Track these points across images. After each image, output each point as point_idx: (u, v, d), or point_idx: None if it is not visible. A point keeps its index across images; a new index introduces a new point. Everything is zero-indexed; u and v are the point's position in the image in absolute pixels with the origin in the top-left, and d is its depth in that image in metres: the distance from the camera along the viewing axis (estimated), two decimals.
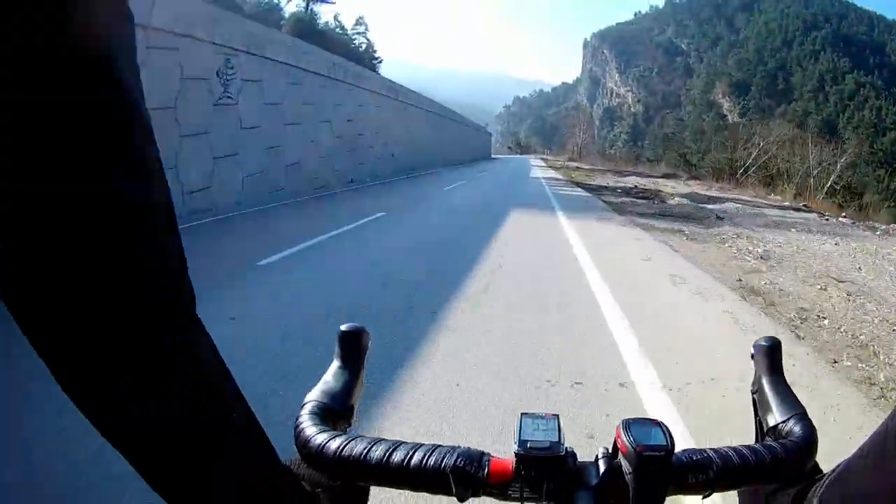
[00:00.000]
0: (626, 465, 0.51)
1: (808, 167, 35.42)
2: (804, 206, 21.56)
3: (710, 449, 0.55)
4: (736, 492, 0.59)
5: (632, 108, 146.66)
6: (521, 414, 0.55)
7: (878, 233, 13.22)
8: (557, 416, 0.55)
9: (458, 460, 0.51)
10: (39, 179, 0.28)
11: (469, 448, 0.52)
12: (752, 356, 0.64)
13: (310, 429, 0.53)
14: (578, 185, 23.61)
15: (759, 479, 0.55)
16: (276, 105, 13.78)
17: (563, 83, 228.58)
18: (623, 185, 24.78)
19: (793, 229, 11.77)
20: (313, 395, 0.57)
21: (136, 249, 0.31)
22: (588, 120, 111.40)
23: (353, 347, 0.61)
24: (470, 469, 0.50)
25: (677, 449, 0.53)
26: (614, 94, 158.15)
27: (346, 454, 0.51)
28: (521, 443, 0.51)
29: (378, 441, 0.52)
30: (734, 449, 0.55)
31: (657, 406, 3.02)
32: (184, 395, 0.36)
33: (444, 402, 2.96)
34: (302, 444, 0.52)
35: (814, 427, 0.57)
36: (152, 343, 0.33)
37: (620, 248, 7.81)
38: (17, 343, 0.34)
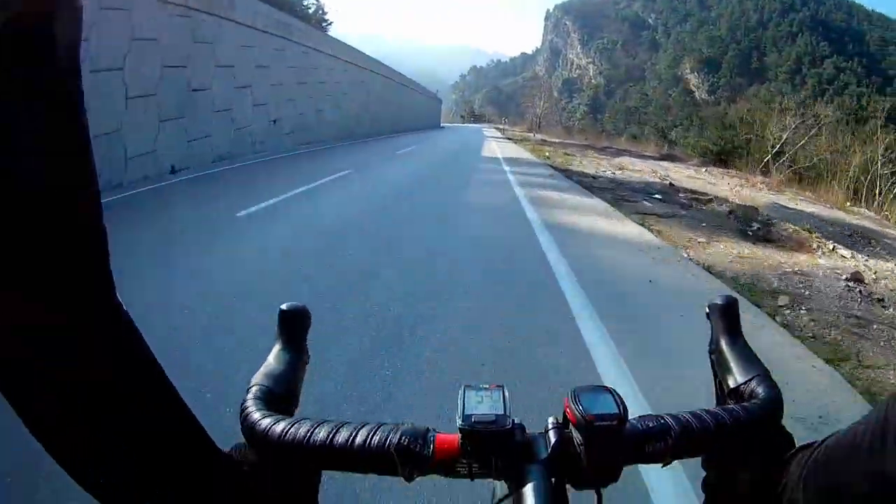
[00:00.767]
0: (577, 436, 0.49)
1: (868, 160, 24.43)
2: None
3: (668, 415, 0.52)
4: (700, 465, 0.57)
5: (593, 80, 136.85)
6: (464, 386, 0.52)
7: None
8: (502, 386, 0.52)
9: (403, 438, 0.48)
10: None
11: (414, 425, 0.50)
12: (708, 315, 0.61)
13: (254, 414, 0.50)
14: (559, 171, 15.19)
15: (722, 443, 0.52)
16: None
17: (521, 53, 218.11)
18: (629, 174, 16.11)
19: None
20: (257, 379, 0.54)
21: (53, 232, 0.29)
22: (548, 90, 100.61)
23: (294, 328, 0.58)
24: (415, 447, 0.48)
25: (632, 416, 0.50)
26: (575, 66, 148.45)
27: (290, 438, 0.48)
28: (465, 417, 0.48)
29: (322, 422, 0.50)
30: (693, 414, 0.52)
31: None
32: (107, 385, 0.34)
33: None
34: (248, 429, 0.50)
35: (777, 387, 0.54)
36: (72, 329, 0.31)
37: None
38: None
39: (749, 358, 0.57)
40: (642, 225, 7.47)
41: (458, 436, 0.49)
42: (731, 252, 6.27)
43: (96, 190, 0.31)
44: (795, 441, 0.50)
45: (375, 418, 0.56)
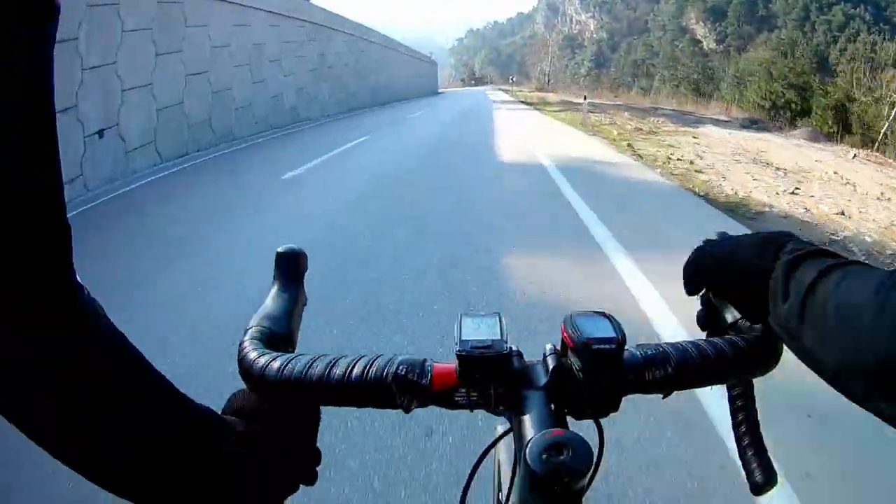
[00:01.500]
0: (575, 362, 0.48)
1: None
2: None
3: (667, 343, 0.52)
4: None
5: (594, 35, 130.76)
6: (461, 314, 0.51)
7: None
8: (499, 313, 0.51)
9: (400, 368, 0.48)
10: None
11: (411, 356, 0.50)
12: None
13: (251, 353, 0.50)
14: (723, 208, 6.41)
15: (723, 375, 0.52)
16: None
17: (518, 13, 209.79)
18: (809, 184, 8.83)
19: None
20: (255, 321, 0.54)
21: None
22: (553, 45, 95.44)
23: (291, 269, 0.57)
24: (412, 377, 0.48)
25: (631, 345, 0.50)
26: (575, 22, 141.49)
27: (288, 374, 0.48)
28: (462, 343, 0.48)
29: (319, 357, 0.50)
30: (693, 343, 0.52)
31: None
32: (72, 362, 0.34)
33: None
34: (245, 369, 0.50)
35: None
36: (33, 309, 0.31)
37: None
38: None
39: None
40: None
41: (455, 365, 0.48)
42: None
43: (57, 169, 0.30)
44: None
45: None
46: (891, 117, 22.53)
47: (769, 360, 0.51)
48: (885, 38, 76.63)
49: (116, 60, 8.08)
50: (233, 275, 3.89)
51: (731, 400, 0.57)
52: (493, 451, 0.57)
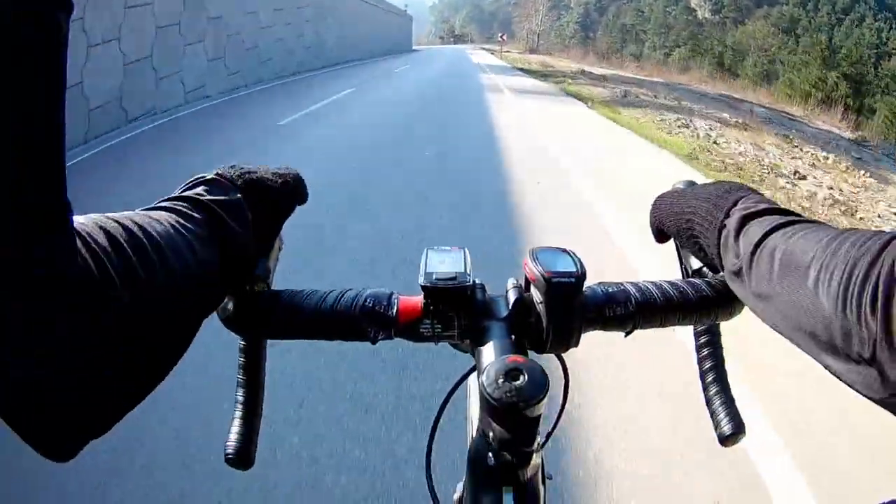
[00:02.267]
0: (536, 295, 0.48)
1: None
2: None
3: (629, 283, 0.52)
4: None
5: None
6: (427, 249, 0.52)
7: None
8: (465, 248, 0.52)
9: (367, 301, 0.49)
10: None
11: (378, 289, 0.51)
12: None
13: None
14: None
15: (684, 316, 0.52)
16: None
17: None
18: None
19: None
20: None
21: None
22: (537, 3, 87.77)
23: None
24: (379, 309, 0.49)
25: (593, 283, 0.51)
26: None
27: (262, 307, 0.50)
28: (427, 275, 0.48)
29: (289, 292, 0.51)
30: (655, 283, 0.52)
31: None
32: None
33: None
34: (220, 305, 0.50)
35: None
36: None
37: None
38: None
39: None
40: None
41: (420, 298, 0.49)
42: None
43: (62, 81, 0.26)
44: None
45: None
46: None
47: (733, 307, 0.51)
48: (891, 27, 72.01)
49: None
50: None
51: (698, 345, 0.57)
52: (467, 394, 0.60)
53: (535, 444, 0.44)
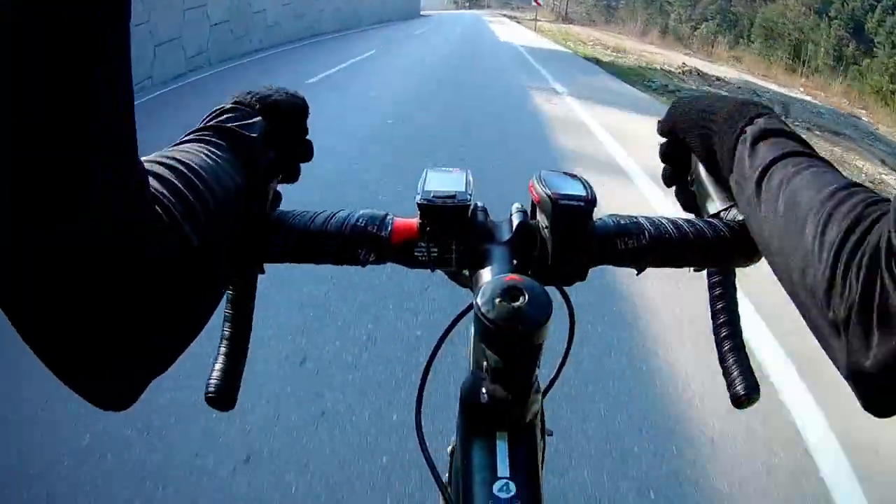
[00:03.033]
0: (542, 220, 0.45)
1: None
2: None
3: (642, 216, 0.48)
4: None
5: None
6: (426, 169, 0.48)
7: None
8: (467, 170, 0.48)
9: (360, 220, 0.46)
10: None
11: (372, 210, 0.47)
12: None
13: None
14: None
15: (701, 258, 0.48)
16: None
17: None
18: None
19: None
20: None
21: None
22: None
23: None
24: (372, 229, 0.46)
25: (604, 214, 0.47)
26: None
27: (259, 235, 0.46)
28: (425, 192, 0.45)
29: (279, 214, 0.47)
30: (671, 220, 0.48)
31: None
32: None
33: None
34: None
35: None
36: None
37: None
38: None
39: (729, 187, 0.50)
40: None
41: (417, 220, 0.46)
42: None
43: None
44: None
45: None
46: None
47: (752, 252, 0.47)
48: None
49: None
50: None
51: (712, 296, 0.53)
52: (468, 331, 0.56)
53: (535, 380, 0.40)
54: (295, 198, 0.55)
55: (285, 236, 0.45)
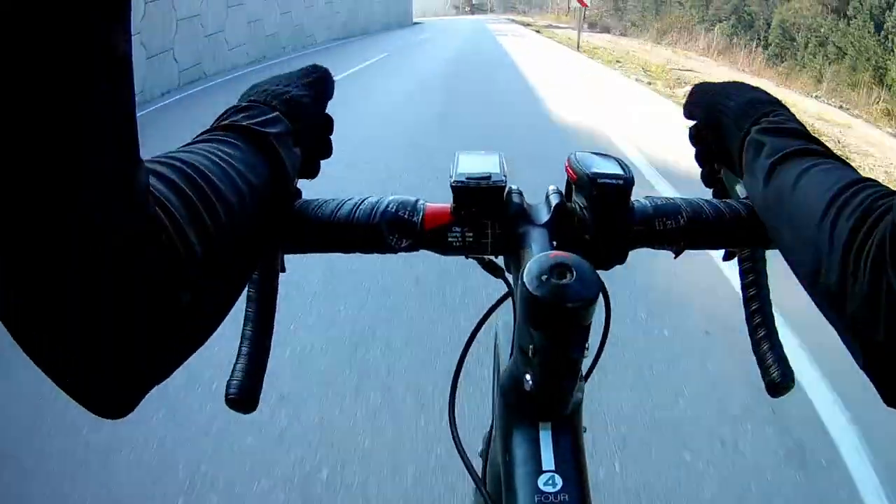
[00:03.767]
0: (580, 200, 0.44)
1: None
2: None
3: (678, 197, 0.47)
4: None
5: None
6: (457, 152, 0.46)
7: None
8: (500, 152, 0.47)
9: (390, 206, 0.44)
10: None
11: (402, 196, 0.45)
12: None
13: None
14: None
15: (738, 237, 0.47)
16: None
17: None
18: None
19: None
20: None
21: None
22: None
23: None
24: (403, 214, 0.44)
25: (639, 196, 0.46)
26: None
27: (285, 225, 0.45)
28: (458, 174, 0.43)
29: (302, 203, 0.46)
30: (706, 200, 0.48)
31: None
32: None
33: None
34: None
35: None
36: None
37: None
38: None
39: None
40: None
41: (450, 205, 0.44)
42: None
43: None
44: None
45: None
46: None
47: None
48: None
49: None
50: None
51: (743, 277, 0.52)
52: (495, 331, 0.54)
53: (581, 365, 0.38)
54: None
55: (310, 227, 0.44)
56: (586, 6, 14.86)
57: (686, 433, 1.87)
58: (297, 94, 0.46)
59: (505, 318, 0.62)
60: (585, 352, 0.36)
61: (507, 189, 0.44)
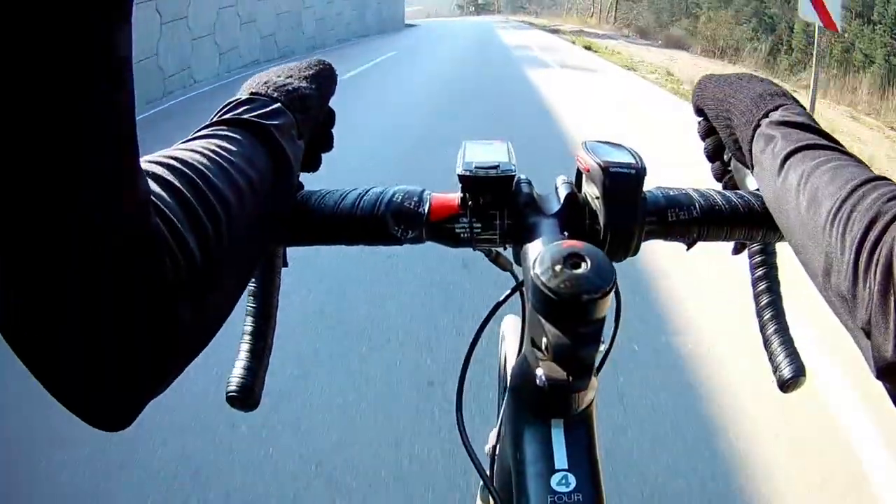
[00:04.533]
0: (592, 190, 0.43)
1: None
2: None
3: (690, 188, 0.46)
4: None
5: None
6: (464, 141, 0.45)
7: None
8: (508, 141, 0.46)
9: (395, 196, 0.43)
10: None
11: (407, 186, 0.44)
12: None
13: None
14: None
15: (751, 230, 0.46)
16: None
17: None
18: None
19: None
20: None
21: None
22: None
23: None
24: (409, 205, 0.43)
25: (651, 186, 0.45)
26: None
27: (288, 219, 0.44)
28: (466, 164, 0.42)
29: (304, 194, 0.45)
30: (718, 192, 0.47)
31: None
32: None
33: None
34: None
35: None
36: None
37: None
38: None
39: None
40: None
41: (457, 195, 0.43)
42: None
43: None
44: None
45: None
46: None
47: None
48: None
49: None
50: None
51: (753, 272, 0.51)
52: (500, 331, 0.52)
53: (596, 358, 0.36)
54: None
55: (312, 219, 0.43)
56: (837, 30, 9.42)
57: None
58: (300, 86, 0.45)
59: (511, 312, 0.56)
60: (601, 346, 0.35)
61: (516, 178, 0.43)
